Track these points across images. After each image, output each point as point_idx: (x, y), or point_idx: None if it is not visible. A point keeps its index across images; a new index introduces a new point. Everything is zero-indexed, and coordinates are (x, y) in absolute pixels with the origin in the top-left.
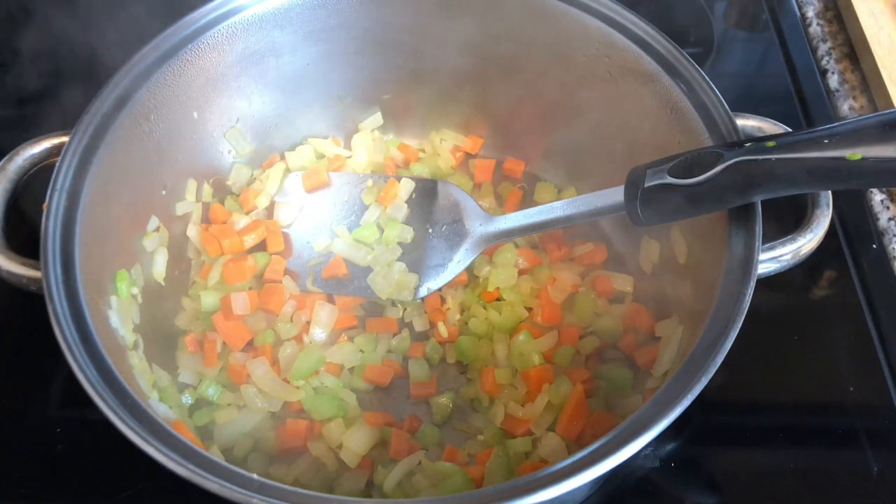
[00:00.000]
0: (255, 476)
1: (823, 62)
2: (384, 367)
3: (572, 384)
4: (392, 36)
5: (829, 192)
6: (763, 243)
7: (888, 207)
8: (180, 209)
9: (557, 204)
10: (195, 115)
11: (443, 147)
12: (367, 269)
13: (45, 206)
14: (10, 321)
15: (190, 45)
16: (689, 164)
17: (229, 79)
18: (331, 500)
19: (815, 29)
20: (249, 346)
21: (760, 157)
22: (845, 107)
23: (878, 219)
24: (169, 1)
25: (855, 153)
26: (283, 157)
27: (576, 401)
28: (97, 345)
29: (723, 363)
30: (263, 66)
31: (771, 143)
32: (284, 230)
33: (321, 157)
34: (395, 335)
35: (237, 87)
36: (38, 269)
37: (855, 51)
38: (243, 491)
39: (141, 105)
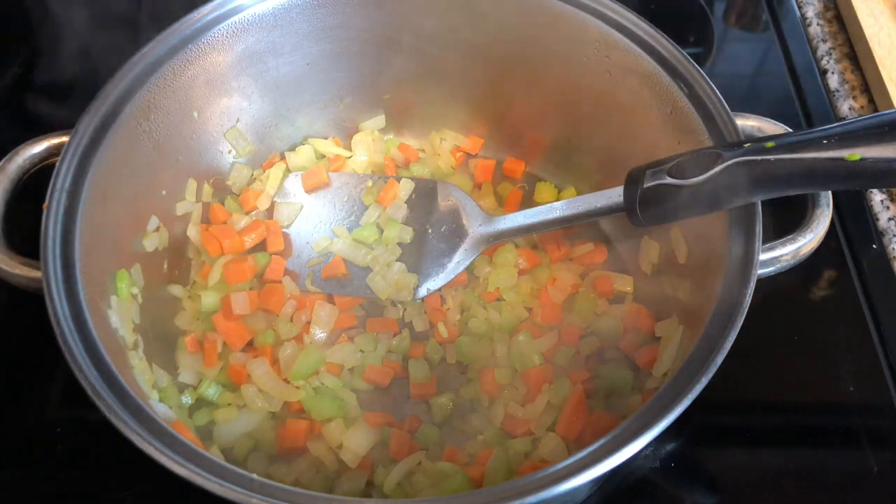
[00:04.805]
0: (255, 476)
1: (823, 62)
2: (384, 367)
3: (572, 384)
4: (392, 36)
5: (829, 192)
6: (763, 243)
7: (888, 207)
8: (180, 209)
9: (557, 204)
10: (195, 115)
11: (443, 147)
12: (367, 270)
13: (45, 206)
14: (10, 321)
15: (190, 45)
16: (688, 164)
17: (229, 79)
18: (331, 500)
19: (815, 29)
20: (249, 346)
21: (760, 158)
22: (845, 107)
23: (878, 219)
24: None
25: (854, 153)
26: (283, 157)
27: (576, 401)
28: (97, 345)
29: (723, 363)
30: (263, 66)
31: (770, 144)
32: (284, 230)
33: (321, 157)
34: (395, 335)
35: (237, 87)
36: (38, 269)
37: (855, 51)
38: (243, 491)
39: (141, 105)
